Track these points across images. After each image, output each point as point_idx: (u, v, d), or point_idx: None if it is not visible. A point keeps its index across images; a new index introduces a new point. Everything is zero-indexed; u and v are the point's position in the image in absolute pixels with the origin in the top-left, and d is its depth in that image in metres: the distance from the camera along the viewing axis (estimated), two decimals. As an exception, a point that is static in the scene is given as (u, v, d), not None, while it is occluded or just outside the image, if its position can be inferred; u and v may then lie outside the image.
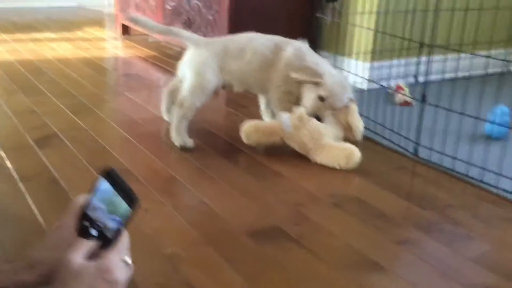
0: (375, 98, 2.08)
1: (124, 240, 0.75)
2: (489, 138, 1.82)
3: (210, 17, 2.53)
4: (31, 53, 2.91)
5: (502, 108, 1.83)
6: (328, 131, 1.64)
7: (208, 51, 1.75)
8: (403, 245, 1.19)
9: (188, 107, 1.70)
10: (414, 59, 2.39)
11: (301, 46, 1.76)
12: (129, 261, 0.74)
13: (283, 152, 1.66)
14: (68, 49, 3.06)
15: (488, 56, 1.67)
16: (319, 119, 1.64)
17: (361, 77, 2.24)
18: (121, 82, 2.44)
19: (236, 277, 1.05)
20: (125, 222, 0.74)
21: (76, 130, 1.78)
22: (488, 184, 1.49)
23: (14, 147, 1.63)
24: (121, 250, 0.73)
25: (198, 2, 2.61)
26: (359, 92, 1.89)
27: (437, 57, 1.86)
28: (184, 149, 1.67)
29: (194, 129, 1.83)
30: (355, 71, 2.40)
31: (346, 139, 1.70)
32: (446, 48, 1.75)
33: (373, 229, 1.25)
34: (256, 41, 1.78)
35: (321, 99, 1.64)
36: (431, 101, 1.69)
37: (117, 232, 0.74)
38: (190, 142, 1.69)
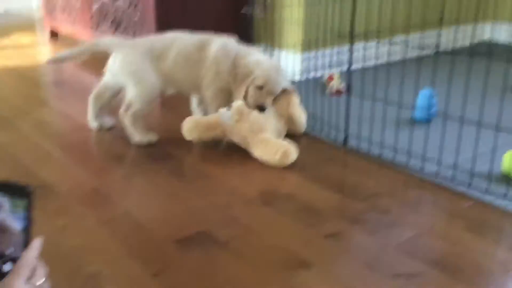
0: (309, 89, 2.08)
1: (28, 258, 0.68)
2: (415, 122, 1.85)
3: (136, 18, 2.47)
4: (-50, 66, 2.75)
5: (427, 91, 1.86)
6: (269, 124, 1.63)
7: (132, 53, 1.70)
8: (331, 238, 1.19)
9: (138, 109, 1.69)
10: (346, 47, 2.41)
11: (227, 41, 1.74)
12: (39, 281, 0.69)
13: (215, 153, 1.64)
14: (-8, 59, 2.91)
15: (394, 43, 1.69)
16: (263, 108, 1.63)
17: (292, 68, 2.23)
18: (47, 90, 2.34)
19: (159, 290, 1.02)
20: (28, 214, 0.70)
21: (-5, 147, 1.69)
22: (414, 169, 1.51)
23: None
24: (22, 272, 0.67)
25: (123, 2, 2.54)
26: (294, 84, 1.89)
27: (363, 45, 1.87)
28: (149, 144, 1.70)
29: (122, 135, 1.78)
30: (288, 63, 2.40)
31: (290, 131, 1.71)
32: (365, 37, 1.76)
33: (303, 225, 1.25)
34: (180, 40, 1.75)
35: (259, 88, 1.64)
36: (358, 89, 1.70)
37: (26, 232, 0.69)
38: (152, 136, 1.72)
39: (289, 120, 1.71)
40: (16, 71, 2.65)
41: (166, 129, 1.85)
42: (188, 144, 1.72)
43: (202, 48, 1.71)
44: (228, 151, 1.65)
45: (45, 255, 0.76)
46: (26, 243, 0.69)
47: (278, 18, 2.38)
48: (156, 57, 1.71)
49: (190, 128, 1.65)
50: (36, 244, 0.70)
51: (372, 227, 1.24)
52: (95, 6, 2.79)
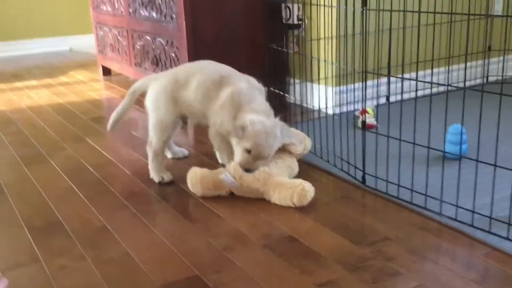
0: (341, 122, 2.03)
1: None
2: (446, 159, 1.74)
3: (173, 54, 2.53)
4: (6, 104, 2.94)
5: (457, 127, 1.76)
6: (273, 166, 1.59)
7: (160, 83, 1.76)
8: (323, 287, 1.13)
9: (155, 144, 1.75)
10: (383, 80, 2.34)
11: (242, 86, 1.65)
12: None
13: (225, 196, 1.62)
14: (45, 96, 3.09)
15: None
16: (249, 171, 1.54)
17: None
18: (87, 126, 2.44)
19: (136, 337, 1.00)
20: None
21: (23, 183, 1.77)
22: (431, 211, 1.42)
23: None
24: None
25: (161, 40, 2.62)
26: (325, 117, 1.85)
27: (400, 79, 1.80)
28: (164, 183, 1.72)
29: (141, 172, 1.81)
30: (322, 96, 2.36)
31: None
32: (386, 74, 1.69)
33: (298, 271, 1.19)
34: (203, 71, 1.74)
35: (248, 151, 1.55)
36: (386, 123, 1.63)
37: None
38: (167, 176, 1.74)
39: (290, 153, 1.69)
40: (63, 107, 2.79)
41: (183, 163, 1.87)
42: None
43: (219, 87, 1.68)
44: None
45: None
46: None
47: (311, 51, 2.35)
48: (180, 86, 1.74)
49: (193, 183, 1.59)
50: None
51: (371, 276, 1.16)
52: (138, 44, 2.90)
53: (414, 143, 1.45)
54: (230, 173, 1.55)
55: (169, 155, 1.95)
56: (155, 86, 1.77)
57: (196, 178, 1.59)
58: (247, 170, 1.54)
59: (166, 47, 2.59)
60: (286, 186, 1.51)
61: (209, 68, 1.76)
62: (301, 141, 1.72)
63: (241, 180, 1.54)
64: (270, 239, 1.35)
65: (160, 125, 1.75)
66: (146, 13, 2.73)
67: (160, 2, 2.56)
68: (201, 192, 1.59)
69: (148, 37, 2.76)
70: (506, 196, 1.45)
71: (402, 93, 1.60)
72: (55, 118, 2.60)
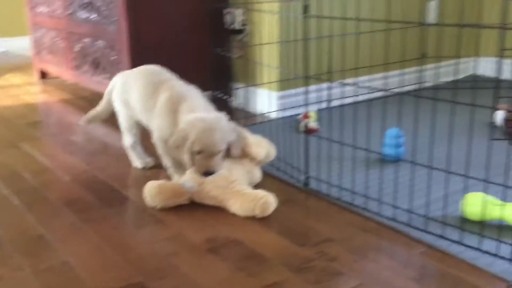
0: (282, 127, 2.05)
1: None
2: (384, 162, 1.81)
3: (113, 57, 2.48)
4: None
5: (394, 131, 1.82)
6: (235, 172, 1.56)
7: (116, 81, 1.83)
8: (269, 290, 1.14)
9: (125, 141, 1.85)
10: (325, 85, 2.39)
11: (174, 91, 1.63)
12: None
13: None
14: (-23, 100, 2.94)
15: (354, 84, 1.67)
16: (210, 173, 1.49)
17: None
18: (22, 132, 2.34)
19: None
20: None
21: (-47, 191, 1.68)
22: (371, 212, 1.46)
23: None
24: None
25: (101, 43, 2.56)
26: (267, 122, 1.87)
27: (339, 83, 1.85)
28: (148, 168, 1.84)
29: (80, 179, 1.76)
30: (266, 101, 2.39)
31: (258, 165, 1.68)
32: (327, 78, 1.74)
33: (243, 275, 1.20)
34: (144, 76, 1.73)
35: (199, 153, 1.50)
36: (332, 127, 1.67)
37: None
38: (150, 161, 1.85)
39: (251, 159, 1.66)
40: (-3, 112, 2.67)
41: (127, 172, 1.84)
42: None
43: (154, 94, 1.67)
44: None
45: None
46: None
47: (254, 57, 2.37)
48: (127, 89, 1.76)
49: (152, 195, 1.54)
50: None
51: (315, 276, 1.18)
52: (77, 47, 2.82)
53: (354, 146, 1.49)
54: (187, 182, 1.52)
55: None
56: (116, 84, 1.83)
57: (154, 190, 1.53)
58: (207, 173, 1.49)
59: (106, 50, 2.54)
60: (248, 198, 1.47)
61: (152, 72, 1.75)
62: (263, 147, 1.68)
63: (200, 187, 1.52)
64: (215, 243, 1.34)
65: (123, 125, 1.82)
66: (85, 15, 2.66)
67: (100, 4, 2.50)
68: (162, 204, 1.53)
69: (87, 40, 2.69)
70: (441, 197, 1.52)
71: (342, 97, 1.65)
72: (-13, 123, 2.48)
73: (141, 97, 1.70)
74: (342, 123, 1.47)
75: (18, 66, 4.09)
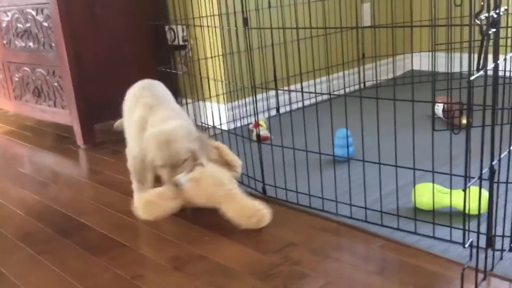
0: (236, 138, 2.07)
1: None
2: (337, 162, 1.86)
3: (56, 84, 2.43)
4: None
5: (342, 131, 1.88)
6: (224, 174, 1.54)
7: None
8: (238, 300, 1.15)
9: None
10: (271, 93, 2.44)
11: (147, 106, 1.61)
12: None
13: (130, 223, 1.59)
14: None
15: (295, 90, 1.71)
16: (178, 184, 1.47)
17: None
18: (-33, 168, 2.26)
19: None
20: None
21: None
22: (329, 212, 1.50)
23: None
24: None
25: (42, 70, 2.51)
26: (220, 133, 1.88)
27: (287, 90, 1.88)
28: None
29: (34, 210, 1.72)
30: (215, 114, 2.40)
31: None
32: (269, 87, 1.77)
33: (211, 288, 1.21)
34: (133, 92, 1.73)
35: (163, 167, 1.47)
36: (279, 133, 1.70)
37: None
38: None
39: (230, 166, 1.67)
40: None
41: (82, 199, 1.81)
42: (103, 210, 1.68)
43: (131, 112, 1.66)
44: (138, 222, 1.60)
45: None
46: None
47: (200, 71, 2.39)
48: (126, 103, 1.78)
49: (145, 209, 1.49)
50: None
51: (282, 281, 1.20)
52: (16, 76, 2.75)
53: (306, 151, 1.53)
54: (181, 178, 1.47)
55: None
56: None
57: (145, 204, 1.48)
58: (177, 185, 1.46)
59: (47, 77, 2.48)
60: (247, 206, 1.47)
61: (138, 90, 1.74)
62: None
63: (196, 183, 1.48)
64: (179, 260, 1.34)
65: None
66: (22, 44, 2.60)
67: (36, 31, 2.45)
68: (156, 213, 1.48)
69: (27, 68, 2.63)
70: (393, 190, 1.58)
71: (290, 104, 1.69)
72: None
73: (126, 114, 1.71)
74: (292, 128, 1.51)
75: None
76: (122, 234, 1.51)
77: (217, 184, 1.49)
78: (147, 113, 1.59)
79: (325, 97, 2.69)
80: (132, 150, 1.63)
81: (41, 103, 2.60)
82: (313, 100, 2.64)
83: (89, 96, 2.36)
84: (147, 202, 1.49)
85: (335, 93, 1.98)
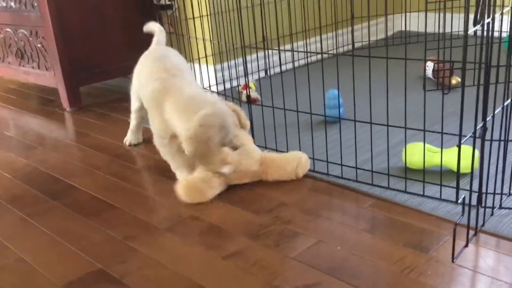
0: (226, 99, 2.05)
1: None
2: (328, 123, 1.85)
3: (39, 45, 2.37)
4: None
5: (333, 92, 1.87)
6: (252, 143, 1.54)
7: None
8: (230, 258, 1.16)
9: (132, 111, 1.83)
10: (260, 54, 2.40)
11: (163, 82, 1.50)
12: None
13: (120, 184, 1.58)
14: None
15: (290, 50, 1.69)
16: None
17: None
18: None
19: None
20: None
21: None
22: (319, 172, 1.50)
23: None
24: None
25: (24, 31, 2.43)
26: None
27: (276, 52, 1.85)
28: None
29: (21, 174, 1.70)
30: (204, 75, 2.37)
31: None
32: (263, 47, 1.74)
33: (203, 248, 1.21)
34: (152, 59, 1.62)
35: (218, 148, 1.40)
36: (268, 95, 1.68)
37: None
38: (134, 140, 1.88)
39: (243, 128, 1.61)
40: None
41: (71, 161, 1.79)
42: (92, 173, 1.66)
43: (148, 83, 1.57)
44: (129, 184, 1.60)
45: None
46: None
47: (187, 31, 2.34)
48: (140, 68, 1.73)
49: (189, 194, 1.42)
50: None
51: (273, 240, 1.21)
52: (-2, 37, 2.67)
53: (297, 111, 1.52)
54: (224, 169, 1.42)
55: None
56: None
57: (190, 188, 1.42)
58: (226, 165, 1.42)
59: (30, 38, 2.42)
60: (289, 161, 1.48)
61: (157, 58, 1.63)
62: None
63: (239, 168, 1.46)
64: (170, 221, 1.34)
65: (132, 103, 1.82)
66: (3, 3, 2.51)
67: (17, -10, 2.37)
68: (200, 198, 1.42)
69: (9, 29, 2.55)
70: (383, 150, 1.58)
71: (280, 65, 1.66)
72: None
73: (142, 83, 1.62)
74: (283, 90, 1.49)
75: None
76: (113, 196, 1.50)
77: (256, 160, 1.48)
78: (162, 88, 1.49)
79: (315, 58, 2.66)
80: (161, 133, 1.51)
81: (25, 65, 2.54)
82: (303, 62, 2.61)
83: (74, 58, 2.30)
84: (193, 188, 1.42)
85: (328, 53, 1.95)
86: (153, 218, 1.37)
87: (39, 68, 2.44)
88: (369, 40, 1.81)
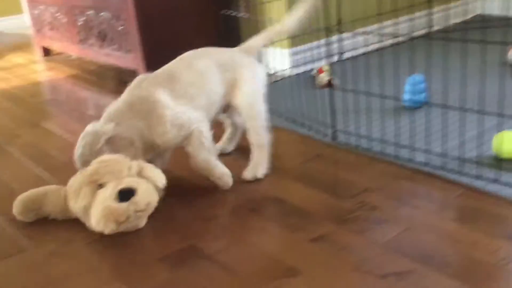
0: (299, 84, 2.05)
1: None
2: (406, 110, 1.82)
3: (120, 28, 2.45)
4: None
5: (416, 77, 1.82)
6: None
7: None
8: (317, 242, 1.17)
9: None
10: (335, 38, 2.37)
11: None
12: None
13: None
14: (-15, 83, 2.93)
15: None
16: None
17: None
18: (38, 110, 2.34)
19: (144, 312, 1.01)
20: None
21: (-14, 175, 1.70)
22: (403, 159, 1.48)
23: None
24: None
25: (106, 14, 2.52)
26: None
27: (351, 35, 1.83)
28: None
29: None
30: (277, 60, 2.37)
31: None
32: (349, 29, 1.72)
33: (289, 230, 1.23)
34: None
35: None
36: (348, 79, 1.66)
37: None
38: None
39: None
40: (9, 93, 2.66)
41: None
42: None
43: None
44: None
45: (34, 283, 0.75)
46: None
47: (262, 15, 2.35)
48: None
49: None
50: None
51: (360, 226, 1.21)
52: (80, 21, 2.79)
53: (381, 96, 1.50)
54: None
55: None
56: None
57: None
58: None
59: (112, 21, 2.50)
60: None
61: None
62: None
63: None
64: (253, 203, 1.37)
65: None
66: (86, -13, 2.61)
67: (101, -26, 2.45)
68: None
69: (91, 12, 2.65)
70: (471, 138, 1.53)
71: (356, 48, 1.64)
72: (3, 104, 2.47)
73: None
74: (360, 74, 1.47)
75: (17, 45, 4.04)
76: (195, 176, 1.54)
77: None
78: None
79: (390, 41, 2.61)
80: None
81: (106, 47, 2.64)
82: (377, 45, 2.56)
83: (153, 41, 2.37)
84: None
85: (415, 34, 1.90)
86: (236, 200, 1.40)
87: (119, 50, 2.53)
88: (447, 24, 1.74)
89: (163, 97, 1.40)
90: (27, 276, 1.16)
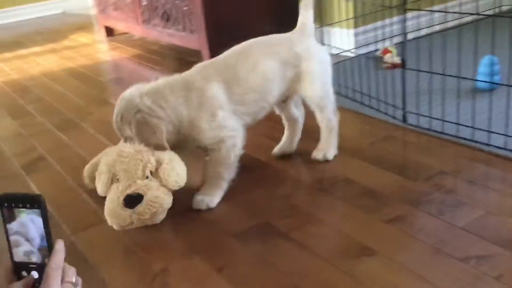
0: (363, 65, 2.02)
1: (57, 261, 0.71)
2: (479, 90, 1.76)
3: (185, 7, 2.48)
4: (17, 72, 2.89)
5: (490, 58, 1.76)
6: None
7: None
8: (393, 223, 1.16)
9: None
10: (398, 19, 2.32)
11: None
12: (73, 279, 0.73)
13: (272, 144, 1.61)
14: (54, 61, 3.04)
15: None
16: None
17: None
18: (106, 89, 2.42)
19: (224, 284, 1.04)
20: (45, 221, 0.71)
21: (63, 149, 1.77)
22: (480, 142, 1.44)
23: (1, 176, 1.63)
24: (56, 274, 0.70)
25: (171, -6, 2.56)
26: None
27: (417, 14, 1.78)
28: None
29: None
30: (341, 40, 2.34)
31: None
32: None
33: (362, 210, 1.23)
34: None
35: None
36: (414, 61, 1.63)
37: (47, 238, 0.71)
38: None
39: None
40: (77, 71, 2.75)
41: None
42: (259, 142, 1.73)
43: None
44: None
45: (114, 251, 0.77)
46: (49, 248, 0.72)
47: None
48: None
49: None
50: (60, 247, 0.73)
51: (437, 208, 1.19)
52: (144, 1, 2.83)
53: (458, 76, 1.45)
54: None
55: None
56: None
57: None
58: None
59: (177, 1, 2.54)
60: None
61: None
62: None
63: None
64: (325, 183, 1.37)
65: None
66: (152, -32, 2.65)
67: (166, -46, 2.48)
68: None
69: (156, -7, 2.70)
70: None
71: (423, 28, 1.59)
72: (72, 82, 2.56)
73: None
74: (430, 54, 1.42)
75: (80, 25, 4.16)
76: (268, 158, 1.55)
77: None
78: None
79: (456, 22, 2.51)
80: None
81: (170, 27, 2.68)
82: (442, 26, 2.48)
83: (217, 21, 2.38)
84: None
85: (483, 13, 1.82)
86: (307, 179, 1.40)
87: (183, 30, 2.57)
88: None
89: (220, 95, 1.32)
90: (107, 244, 1.21)
